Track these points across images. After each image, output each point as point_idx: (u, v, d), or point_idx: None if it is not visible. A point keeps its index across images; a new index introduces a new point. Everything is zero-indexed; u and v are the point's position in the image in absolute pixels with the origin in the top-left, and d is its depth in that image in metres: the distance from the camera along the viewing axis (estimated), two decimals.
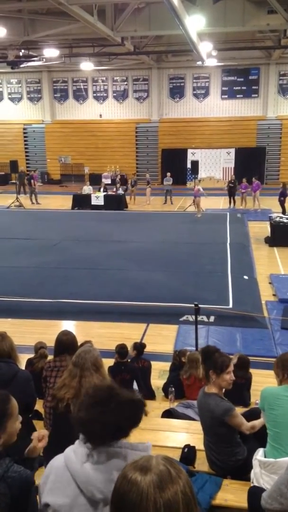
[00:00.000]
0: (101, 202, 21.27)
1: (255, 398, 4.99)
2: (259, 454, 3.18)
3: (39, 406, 4.38)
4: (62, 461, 1.83)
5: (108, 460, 1.75)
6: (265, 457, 3.13)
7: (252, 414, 3.77)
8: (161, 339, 8.44)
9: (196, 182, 20.33)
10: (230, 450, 3.48)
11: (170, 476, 1.20)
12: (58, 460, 1.87)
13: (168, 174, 22.24)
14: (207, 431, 3.61)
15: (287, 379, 3.26)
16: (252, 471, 3.23)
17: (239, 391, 5.34)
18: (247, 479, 3.34)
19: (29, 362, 5.60)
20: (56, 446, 3.10)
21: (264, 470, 3.04)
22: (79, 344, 4.34)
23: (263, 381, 5.51)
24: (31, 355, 5.84)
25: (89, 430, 1.79)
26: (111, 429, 1.76)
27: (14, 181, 24.55)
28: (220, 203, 21.82)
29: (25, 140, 30.64)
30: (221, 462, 3.51)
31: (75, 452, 1.82)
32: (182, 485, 1.19)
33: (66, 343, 4.09)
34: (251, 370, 5.95)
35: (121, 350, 5.89)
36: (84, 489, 1.74)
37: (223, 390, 3.61)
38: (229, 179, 21.81)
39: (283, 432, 3.11)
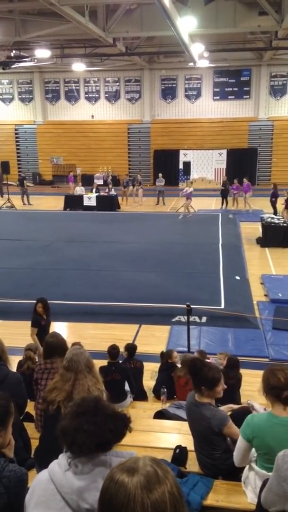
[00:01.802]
0: (93, 203, 21.25)
1: (245, 398, 5.01)
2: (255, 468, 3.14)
3: (30, 408, 4.36)
4: (47, 475, 1.79)
5: (93, 469, 1.74)
6: None
7: (246, 414, 3.73)
8: (154, 340, 8.45)
9: (188, 184, 20.38)
10: (224, 456, 3.44)
11: (157, 477, 1.19)
12: (43, 474, 1.83)
13: (160, 175, 22.29)
14: (199, 439, 3.55)
15: (272, 403, 2.97)
16: (244, 475, 3.22)
17: (230, 391, 5.35)
18: (239, 479, 3.34)
19: (19, 364, 5.60)
20: (46, 448, 3.10)
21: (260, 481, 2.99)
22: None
23: (254, 381, 5.53)
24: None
25: (71, 439, 1.77)
26: (93, 441, 1.75)
27: (6, 182, 24.43)
28: (212, 204, 21.89)
29: (16, 141, 30.51)
30: (213, 466, 3.49)
31: (59, 464, 1.79)
32: (170, 485, 1.19)
33: (53, 345, 4.09)
34: (243, 370, 5.98)
35: (112, 350, 5.90)
36: (69, 500, 1.71)
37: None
38: (222, 180, 21.90)
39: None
